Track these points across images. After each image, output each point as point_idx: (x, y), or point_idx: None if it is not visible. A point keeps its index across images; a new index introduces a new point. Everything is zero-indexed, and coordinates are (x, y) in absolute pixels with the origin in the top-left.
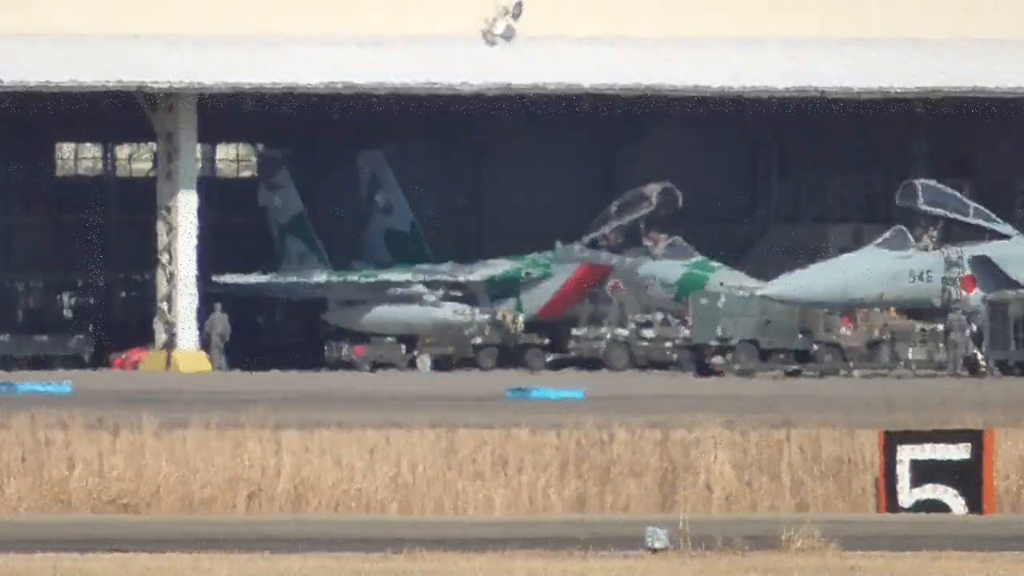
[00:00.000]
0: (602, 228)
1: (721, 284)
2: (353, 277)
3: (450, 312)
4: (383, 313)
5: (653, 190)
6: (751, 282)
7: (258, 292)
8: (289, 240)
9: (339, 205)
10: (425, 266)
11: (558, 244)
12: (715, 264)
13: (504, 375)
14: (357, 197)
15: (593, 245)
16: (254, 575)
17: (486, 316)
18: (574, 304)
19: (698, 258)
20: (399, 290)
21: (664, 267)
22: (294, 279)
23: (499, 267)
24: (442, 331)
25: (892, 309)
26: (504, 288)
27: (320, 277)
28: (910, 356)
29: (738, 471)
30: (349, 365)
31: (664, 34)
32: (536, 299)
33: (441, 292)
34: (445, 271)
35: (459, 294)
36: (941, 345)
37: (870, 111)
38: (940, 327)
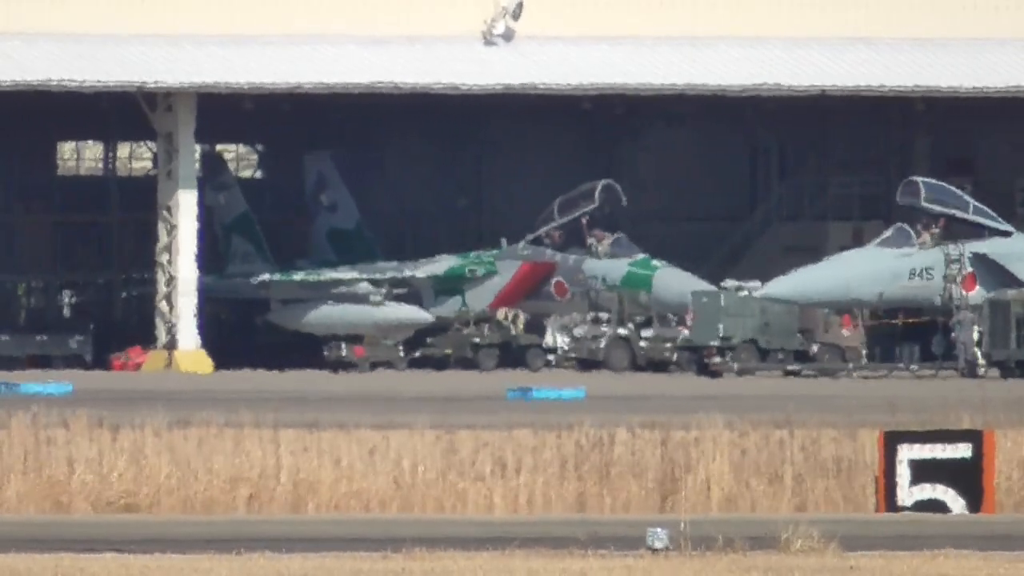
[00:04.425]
0: (545, 226)
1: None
2: (297, 276)
3: (393, 311)
4: (326, 313)
5: (596, 187)
6: (701, 283)
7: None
8: (234, 239)
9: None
10: (369, 264)
11: (503, 242)
12: (658, 263)
13: (505, 375)
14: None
15: (537, 243)
16: (254, 575)
17: (432, 315)
18: (518, 302)
19: (641, 256)
20: (344, 289)
21: (607, 265)
22: (239, 279)
23: (444, 264)
24: (385, 331)
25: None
26: (449, 285)
27: (263, 276)
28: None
29: (738, 471)
30: (349, 365)
31: (664, 33)
32: (481, 297)
33: (385, 290)
34: (390, 269)
35: (403, 291)
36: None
37: (870, 110)
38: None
